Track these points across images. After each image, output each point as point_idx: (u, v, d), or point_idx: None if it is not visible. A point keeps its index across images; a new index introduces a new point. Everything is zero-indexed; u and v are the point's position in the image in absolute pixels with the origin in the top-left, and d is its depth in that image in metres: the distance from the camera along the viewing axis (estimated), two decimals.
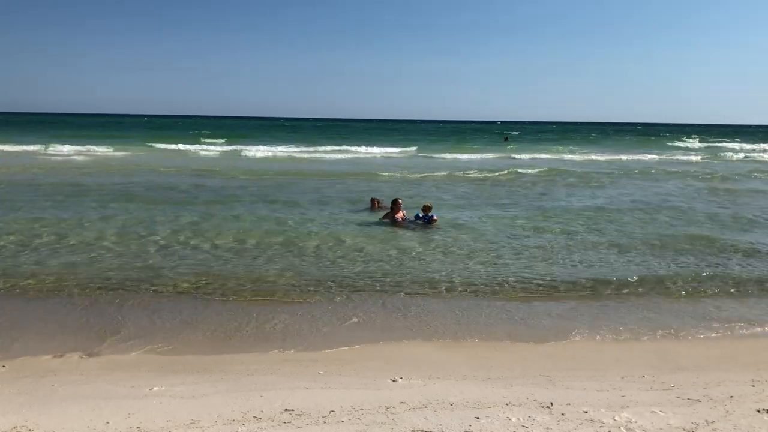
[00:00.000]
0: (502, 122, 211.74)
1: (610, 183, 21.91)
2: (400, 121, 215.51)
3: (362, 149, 39.54)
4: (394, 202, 12.68)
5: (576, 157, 37.55)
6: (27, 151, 32.61)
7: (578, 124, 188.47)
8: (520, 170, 25.62)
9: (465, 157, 35.55)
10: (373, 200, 14.26)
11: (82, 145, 35.33)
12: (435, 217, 12.29)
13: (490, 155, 37.46)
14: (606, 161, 34.11)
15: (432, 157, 35.31)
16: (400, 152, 39.27)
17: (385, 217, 12.55)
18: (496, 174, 24.13)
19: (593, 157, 37.11)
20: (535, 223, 13.00)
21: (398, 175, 23.17)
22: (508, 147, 47.11)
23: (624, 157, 36.57)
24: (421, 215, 12.35)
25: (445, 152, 38.58)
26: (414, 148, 42.13)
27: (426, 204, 12.69)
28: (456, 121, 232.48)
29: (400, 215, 12.38)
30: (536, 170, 25.64)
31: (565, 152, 41.96)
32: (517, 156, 36.91)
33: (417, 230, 11.79)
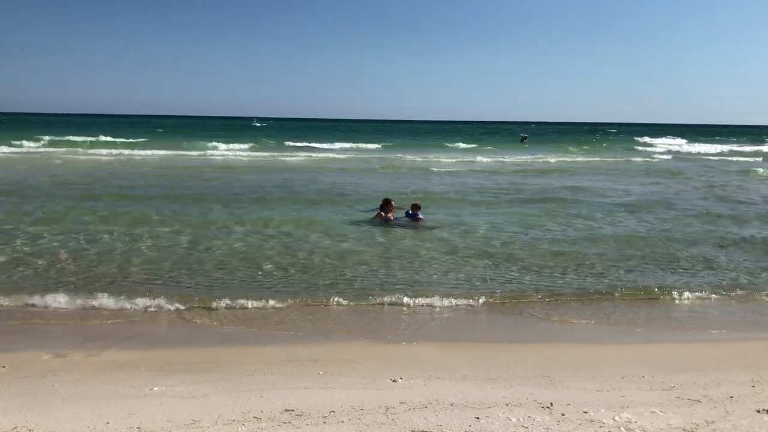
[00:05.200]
0: (495, 122, 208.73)
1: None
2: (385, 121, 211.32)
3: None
4: (387, 202, 12.69)
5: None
6: None
7: (584, 125, 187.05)
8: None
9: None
10: (385, 200, 14.15)
11: None
12: (420, 216, 12.34)
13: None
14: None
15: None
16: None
17: (376, 216, 12.53)
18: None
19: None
20: (533, 222, 13.00)
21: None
22: (527, 146, 46.55)
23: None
24: (410, 212, 12.40)
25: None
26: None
27: (414, 203, 12.77)
28: (447, 122, 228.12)
29: (390, 215, 12.43)
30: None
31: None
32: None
33: (413, 231, 11.79)
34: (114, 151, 33.07)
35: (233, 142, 41.56)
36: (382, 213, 12.37)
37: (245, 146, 40.13)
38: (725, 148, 52.41)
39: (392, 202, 12.73)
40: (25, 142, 37.54)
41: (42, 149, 34.62)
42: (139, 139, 44.02)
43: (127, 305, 7.21)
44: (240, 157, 31.95)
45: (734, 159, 38.96)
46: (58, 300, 7.28)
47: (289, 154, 34.55)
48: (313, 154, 34.96)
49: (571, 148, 46.34)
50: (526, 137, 63.07)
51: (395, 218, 12.39)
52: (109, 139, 43.44)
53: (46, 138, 40.91)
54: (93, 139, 42.28)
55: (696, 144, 59.38)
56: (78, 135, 44.81)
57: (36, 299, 7.30)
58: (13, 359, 5.49)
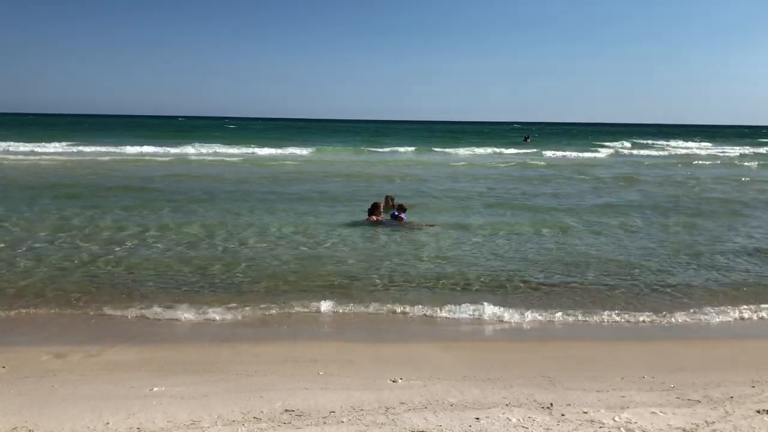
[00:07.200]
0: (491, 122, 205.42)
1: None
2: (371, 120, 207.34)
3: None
4: (375, 205, 12.67)
5: None
6: None
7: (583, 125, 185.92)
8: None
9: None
10: (387, 198, 14.15)
11: None
12: (402, 216, 12.40)
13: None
14: None
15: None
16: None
17: (367, 220, 12.44)
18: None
19: None
20: (531, 221, 13.00)
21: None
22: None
23: None
24: (395, 213, 12.52)
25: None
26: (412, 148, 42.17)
27: (400, 203, 12.94)
28: (446, 122, 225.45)
29: (381, 217, 12.44)
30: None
31: None
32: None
33: (409, 231, 11.74)
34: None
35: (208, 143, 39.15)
36: (373, 217, 12.40)
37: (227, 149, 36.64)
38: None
39: (381, 205, 12.75)
40: None
41: None
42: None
43: (127, 305, 7.20)
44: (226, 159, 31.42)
45: None
46: (58, 302, 7.28)
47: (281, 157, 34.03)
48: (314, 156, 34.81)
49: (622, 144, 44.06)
50: (528, 137, 63.24)
51: (385, 220, 12.41)
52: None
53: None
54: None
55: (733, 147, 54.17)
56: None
57: (38, 301, 7.31)
58: (13, 359, 5.49)
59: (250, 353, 5.80)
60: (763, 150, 49.86)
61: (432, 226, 12.14)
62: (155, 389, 4.65)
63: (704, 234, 12.10)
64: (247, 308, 7.16)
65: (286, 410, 4.23)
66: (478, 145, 46.36)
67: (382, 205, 12.79)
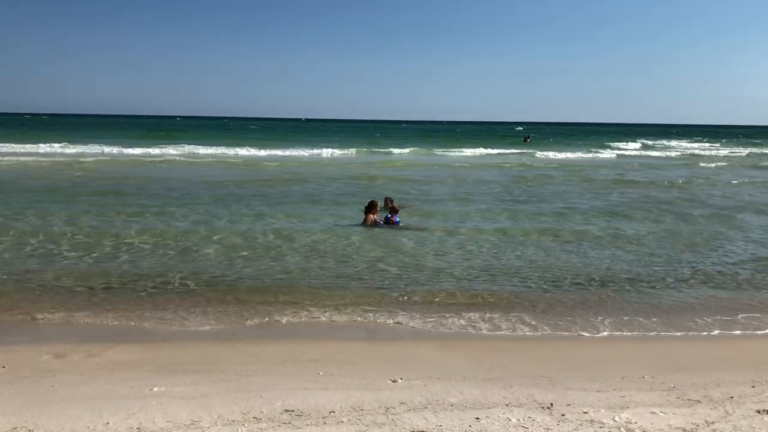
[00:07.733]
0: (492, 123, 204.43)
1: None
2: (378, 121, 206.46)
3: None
4: (372, 204, 12.64)
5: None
6: None
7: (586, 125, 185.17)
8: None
9: None
10: (386, 199, 14.16)
11: None
12: (393, 219, 12.42)
13: None
14: None
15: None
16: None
17: (364, 221, 12.44)
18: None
19: None
20: (527, 224, 13.00)
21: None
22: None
23: None
24: (389, 216, 12.52)
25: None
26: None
27: (393, 206, 13.00)
28: (448, 122, 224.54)
29: (376, 217, 12.44)
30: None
31: None
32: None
33: (404, 234, 11.72)
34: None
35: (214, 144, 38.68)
36: (370, 215, 12.40)
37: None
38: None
39: (377, 204, 12.74)
40: None
41: None
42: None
43: (127, 306, 7.20)
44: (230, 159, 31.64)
45: None
46: (57, 302, 7.28)
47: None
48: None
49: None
50: (529, 137, 63.20)
51: (380, 222, 12.38)
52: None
53: None
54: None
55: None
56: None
57: (39, 303, 7.31)
58: (13, 359, 5.49)
59: (250, 353, 5.81)
60: (767, 150, 49.98)
61: (426, 229, 12.14)
62: (155, 389, 4.65)
63: (704, 235, 12.11)
64: (246, 309, 7.17)
65: (286, 410, 4.23)
66: (478, 146, 46.34)
67: (378, 205, 12.80)
